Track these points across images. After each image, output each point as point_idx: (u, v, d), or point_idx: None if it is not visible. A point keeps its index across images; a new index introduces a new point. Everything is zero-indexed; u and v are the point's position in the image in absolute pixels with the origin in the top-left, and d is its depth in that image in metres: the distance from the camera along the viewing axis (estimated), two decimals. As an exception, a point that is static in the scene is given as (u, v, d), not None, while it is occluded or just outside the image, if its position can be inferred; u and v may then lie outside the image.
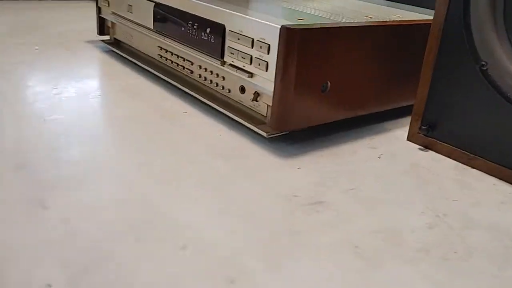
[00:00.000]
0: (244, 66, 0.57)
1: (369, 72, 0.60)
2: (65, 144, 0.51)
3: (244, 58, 0.56)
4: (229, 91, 0.63)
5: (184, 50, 0.67)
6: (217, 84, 0.65)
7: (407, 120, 0.68)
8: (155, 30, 0.73)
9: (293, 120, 0.54)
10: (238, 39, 0.56)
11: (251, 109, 0.60)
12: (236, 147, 0.55)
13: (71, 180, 0.44)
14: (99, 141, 0.53)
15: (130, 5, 0.78)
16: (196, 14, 0.63)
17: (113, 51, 0.88)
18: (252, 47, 0.55)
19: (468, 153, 0.56)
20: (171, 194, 0.43)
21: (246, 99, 0.60)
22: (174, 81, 0.70)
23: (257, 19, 0.54)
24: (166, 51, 0.74)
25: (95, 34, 1.00)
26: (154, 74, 0.77)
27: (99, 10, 0.88)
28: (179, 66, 0.71)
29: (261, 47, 0.53)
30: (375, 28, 0.58)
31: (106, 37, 0.91)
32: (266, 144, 0.57)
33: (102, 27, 0.89)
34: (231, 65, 0.59)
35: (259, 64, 0.54)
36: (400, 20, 0.64)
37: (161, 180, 0.46)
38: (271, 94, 0.53)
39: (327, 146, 0.58)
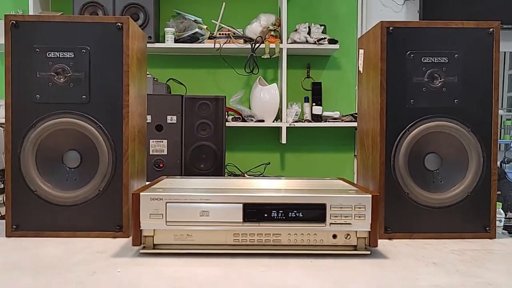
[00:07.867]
0: (345, 222, 1.03)
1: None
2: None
3: (346, 217, 1.03)
4: (322, 240, 1.04)
5: (279, 227, 1.02)
6: (314, 240, 1.04)
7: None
8: (245, 221, 1.02)
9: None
10: (341, 207, 1.02)
11: (342, 246, 1.05)
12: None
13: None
14: None
15: (205, 211, 1.01)
16: (300, 202, 1.02)
17: (153, 255, 1.02)
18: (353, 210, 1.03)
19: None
20: None
21: (339, 241, 1.04)
22: (264, 250, 1.02)
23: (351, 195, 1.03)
24: (247, 234, 1.03)
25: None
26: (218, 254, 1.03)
27: (138, 223, 1.01)
28: (264, 240, 1.03)
29: (360, 208, 1.03)
30: (363, 187, 1.17)
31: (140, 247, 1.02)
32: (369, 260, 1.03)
33: (139, 238, 1.01)
34: (333, 223, 1.03)
35: (359, 217, 1.03)
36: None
37: None
38: (367, 230, 1.03)
39: (377, 250, 1.10)
